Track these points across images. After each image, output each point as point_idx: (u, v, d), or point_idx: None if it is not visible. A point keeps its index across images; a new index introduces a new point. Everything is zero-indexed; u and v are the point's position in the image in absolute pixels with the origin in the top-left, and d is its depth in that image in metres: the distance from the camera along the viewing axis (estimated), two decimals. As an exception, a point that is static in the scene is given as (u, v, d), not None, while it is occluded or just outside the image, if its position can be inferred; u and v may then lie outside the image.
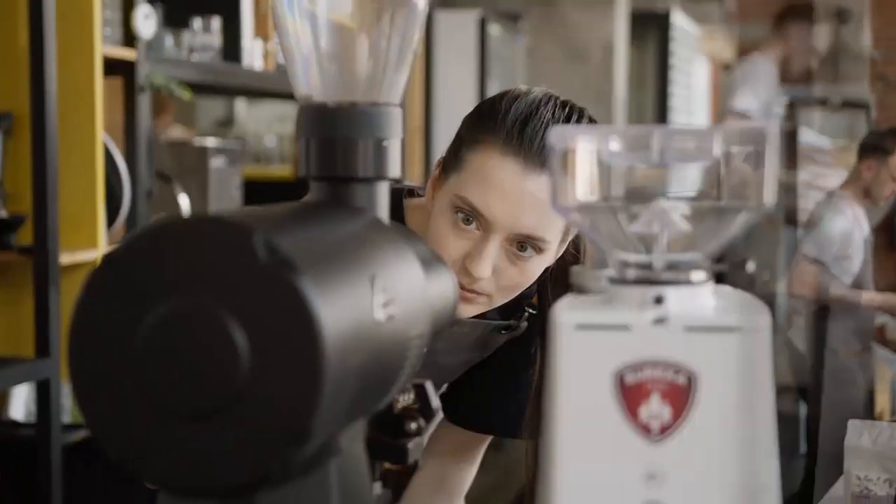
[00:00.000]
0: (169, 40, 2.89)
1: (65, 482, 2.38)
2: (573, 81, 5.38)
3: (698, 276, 0.69)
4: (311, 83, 0.81)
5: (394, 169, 0.81)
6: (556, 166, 0.69)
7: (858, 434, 1.97)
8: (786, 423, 4.68)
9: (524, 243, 1.24)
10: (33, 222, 2.33)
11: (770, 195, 0.68)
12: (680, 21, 7.52)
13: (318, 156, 0.80)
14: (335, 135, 0.79)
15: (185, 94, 2.66)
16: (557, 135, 0.69)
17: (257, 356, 0.59)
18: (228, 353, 0.59)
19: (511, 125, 1.23)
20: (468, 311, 1.29)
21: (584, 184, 0.70)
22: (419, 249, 0.81)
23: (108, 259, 0.62)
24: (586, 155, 0.70)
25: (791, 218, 4.93)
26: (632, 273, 0.70)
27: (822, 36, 4.66)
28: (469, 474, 1.50)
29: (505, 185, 1.22)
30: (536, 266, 1.27)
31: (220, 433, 0.60)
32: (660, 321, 0.67)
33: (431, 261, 0.84)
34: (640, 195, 0.72)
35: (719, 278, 0.72)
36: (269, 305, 0.59)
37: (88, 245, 2.46)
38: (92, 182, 2.44)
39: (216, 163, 2.99)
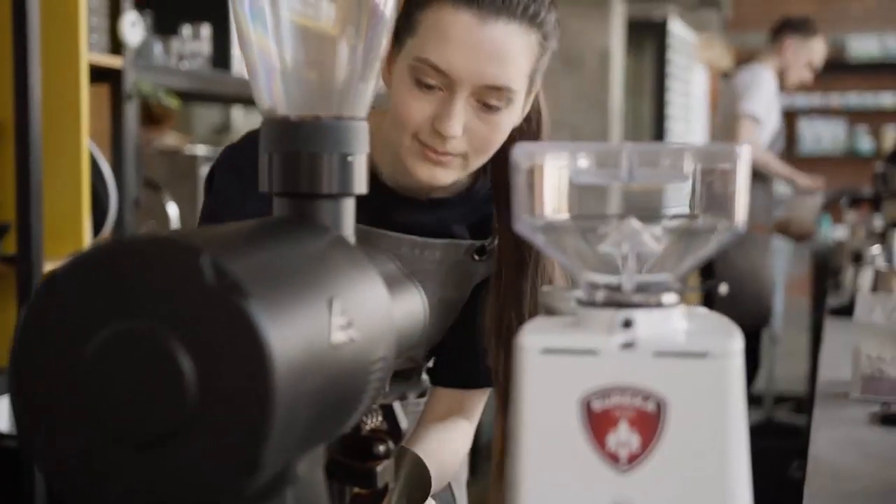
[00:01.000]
0: (158, 47, 2.86)
1: (49, 493, 2.35)
2: (569, 89, 5.36)
3: (669, 298, 0.67)
4: (274, 96, 0.78)
5: (360, 185, 0.78)
6: (522, 183, 0.67)
7: (869, 308, 1.80)
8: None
9: (490, 98, 1.22)
10: (17, 231, 2.30)
11: (742, 216, 0.65)
12: (677, 29, 7.50)
13: (282, 171, 0.77)
14: (299, 149, 0.77)
15: (173, 103, 2.63)
16: (523, 152, 0.67)
17: (204, 382, 0.57)
18: (174, 379, 0.57)
19: None
20: (445, 175, 1.26)
21: (551, 202, 0.68)
22: (385, 268, 0.79)
23: (52, 278, 0.60)
24: (553, 172, 0.67)
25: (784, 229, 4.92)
26: (600, 295, 0.67)
27: (819, 49, 4.66)
28: (467, 436, 1.45)
29: (462, 38, 1.19)
30: (506, 120, 1.24)
31: (166, 461, 0.57)
32: (628, 346, 0.64)
33: (398, 279, 0.81)
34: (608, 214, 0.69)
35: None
36: (216, 330, 0.57)
37: (73, 253, 2.43)
38: (77, 190, 2.42)
39: (207, 170, 2.96)
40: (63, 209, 2.42)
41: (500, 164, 1.31)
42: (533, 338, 0.65)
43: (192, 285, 0.57)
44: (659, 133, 7.37)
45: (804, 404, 4.82)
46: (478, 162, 1.27)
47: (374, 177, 1.35)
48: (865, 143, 10.04)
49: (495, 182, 1.35)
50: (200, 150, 3.08)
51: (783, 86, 4.62)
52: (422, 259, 1.36)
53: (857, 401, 1.78)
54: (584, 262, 0.69)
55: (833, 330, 2.68)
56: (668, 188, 0.67)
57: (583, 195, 0.68)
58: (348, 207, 0.78)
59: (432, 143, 1.23)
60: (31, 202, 2.29)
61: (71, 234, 2.41)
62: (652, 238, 0.67)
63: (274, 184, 0.77)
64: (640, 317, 0.65)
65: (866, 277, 2.92)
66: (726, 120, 4.51)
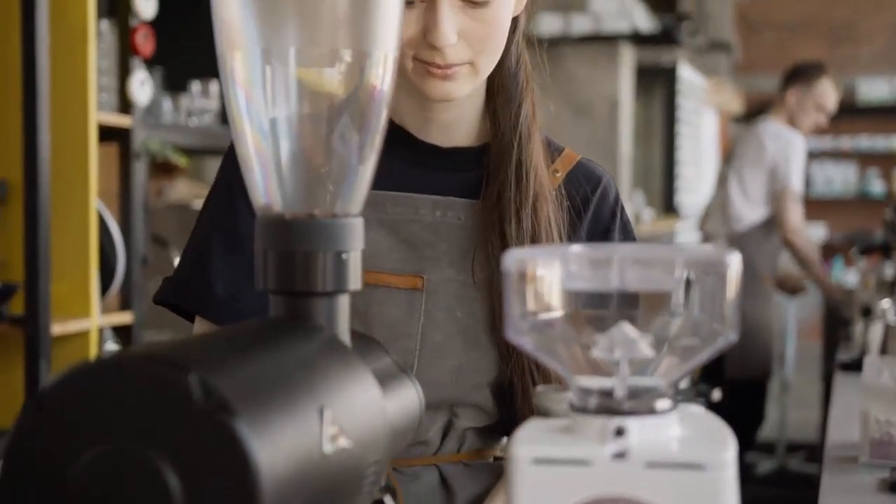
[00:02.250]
0: (167, 104, 2.88)
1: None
2: (580, 136, 5.37)
3: (662, 404, 0.66)
4: (268, 193, 0.78)
5: (354, 281, 0.78)
6: (513, 289, 0.67)
7: (877, 371, 1.77)
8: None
9: None
10: (25, 292, 2.31)
11: (733, 324, 0.65)
12: (687, 74, 7.52)
13: (276, 269, 0.77)
14: (293, 247, 0.77)
15: (181, 161, 2.65)
16: (513, 257, 0.67)
17: (193, 502, 0.57)
18: (162, 500, 0.56)
19: None
20: (457, 88, 1.19)
21: (541, 307, 0.68)
22: (378, 365, 0.79)
23: (40, 396, 0.59)
24: (544, 277, 0.67)
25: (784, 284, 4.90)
26: (592, 402, 0.67)
27: (825, 91, 4.65)
28: None
29: None
30: (499, 13, 1.17)
31: (154, 581, 0.57)
32: (620, 456, 0.64)
33: (392, 375, 0.81)
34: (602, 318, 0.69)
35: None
36: (204, 450, 0.57)
37: (81, 314, 2.44)
38: (85, 251, 2.43)
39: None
40: (71, 269, 2.43)
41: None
42: (525, 447, 0.65)
43: (179, 405, 0.57)
44: (669, 178, 7.38)
45: (817, 452, 4.78)
46: (487, 64, 1.20)
47: (399, 130, 1.28)
48: (877, 186, 10.03)
49: (488, 87, 1.28)
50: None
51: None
52: (444, 223, 1.26)
53: (866, 465, 1.77)
54: (576, 364, 0.69)
55: (843, 386, 2.66)
56: (661, 293, 0.67)
57: (575, 298, 0.68)
58: (343, 304, 0.78)
59: (431, 58, 1.16)
60: (39, 263, 2.30)
61: (79, 294, 2.42)
62: (645, 343, 0.66)
63: (269, 281, 0.77)
64: (633, 424, 0.65)
65: (876, 332, 2.90)
66: (753, 180, 4.46)
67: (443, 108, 1.26)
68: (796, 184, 4.38)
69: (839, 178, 10.14)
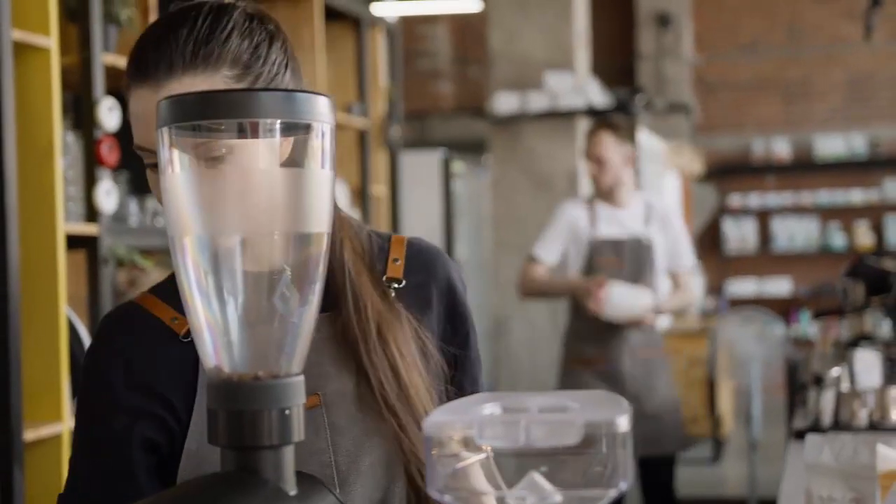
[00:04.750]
0: (133, 206, 2.97)
1: None
2: (540, 209, 5.50)
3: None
4: (218, 357, 0.87)
5: (298, 433, 0.87)
6: (431, 450, 0.76)
7: (818, 450, 1.83)
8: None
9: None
10: (-4, 400, 2.38)
11: (626, 478, 0.74)
12: (645, 139, 7.69)
13: (226, 426, 0.86)
14: (241, 407, 0.86)
15: (147, 264, 2.73)
16: (432, 423, 0.76)
17: None
18: None
19: (133, 58, 1.20)
20: None
21: (458, 465, 0.77)
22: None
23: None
24: (460, 438, 0.76)
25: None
26: (507, 547, 0.75)
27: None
28: None
29: (145, 110, 1.18)
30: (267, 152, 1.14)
31: None
32: None
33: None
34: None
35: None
36: None
37: (53, 419, 2.50)
38: (56, 357, 2.50)
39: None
40: (42, 377, 2.49)
41: None
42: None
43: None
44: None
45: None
46: None
47: None
48: (838, 239, 10.22)
49: None
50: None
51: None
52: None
53: (813, 543, 1.84)
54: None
55: (796, 456, 2.75)
56: (564, 448, 0.76)
57: (490, 454, 0.77)
58: (288, 455, 0.87)
59: None
60: (11, 371, 2.37)
61: (50, 401, 2.48)
62: (553, 491, 0.75)
63: (220, 437, 0.86)
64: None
65: (828, 400, 2.99)
66: None
67: None
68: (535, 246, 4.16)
69: (801, 233, 10.33)
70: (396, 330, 1.26)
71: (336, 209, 1.27)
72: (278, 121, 0.86)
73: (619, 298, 3.93)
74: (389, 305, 1.28)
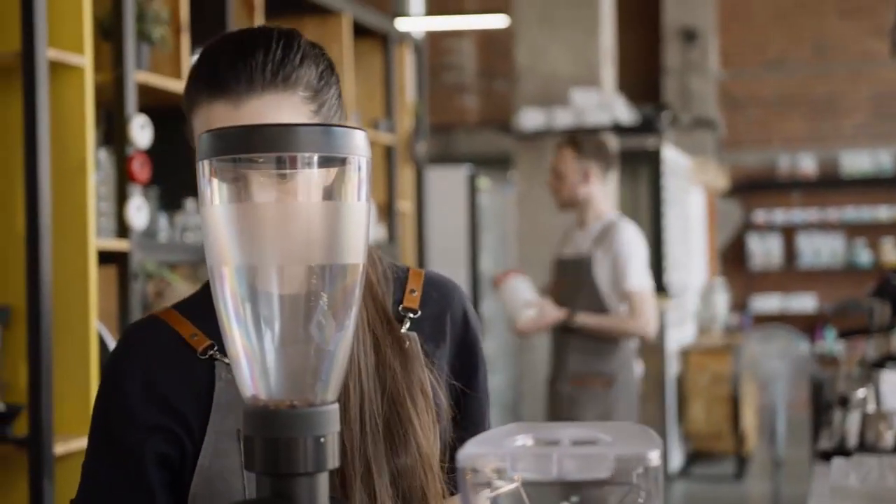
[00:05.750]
0: (164, 222, 3.00)
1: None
2: (564, 226, 5.49)
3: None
4: (255, 386, 0.89)
5: (332, 461, 0.89)
6: (466, 486, 0.77)
7: (845, 474, 1.85)
8: None
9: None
10: (29, 414, 2.41)
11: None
12: (671, 155, 7.69)
13: (262, 453, 0.88)
14: (277, 435, 0.87)
15: (175, 280, 2.76)
16: (466, 455, 0.77)
17: None
18: None
19: (206, 72, 1.21)
20: None
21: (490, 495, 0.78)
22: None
23: None
24: (493, 469, 0.78)
25: None
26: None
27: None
28: None
29: (216, 124, 1.18)
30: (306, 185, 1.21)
31: None
32: None
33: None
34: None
35: None
36: None
37: (83, 432, 2.53)
38: (86, 371, 2.53)
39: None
40: (73, 390, 2.52)
41: None
42: None
43: None
44: (657, 258, 7.50)
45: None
46: None
47: None
48: (864, 256, 10.18)
49: None
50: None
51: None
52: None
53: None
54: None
55: (821, 478, 2.74)
56: (596, 481, 0.77)
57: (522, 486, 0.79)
58: (322, 482, 0.89)
59: None
60: (42, 386, 2.40)
61: (81, 414, 2.51)
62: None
63: (256, 464, 0.88)
64: None
65: (854, 422, 2.98)
66: None
67: None
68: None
69: (827, 249, 10.29)
70: (396, 360, 1.27)
71: None
72: (316, 154, 0.88)
73: (507, 290, 3.97)
74: (395, 336, 1.28)
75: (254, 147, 0.88)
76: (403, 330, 1.30)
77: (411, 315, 1.31)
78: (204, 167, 0.88)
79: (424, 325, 1.32)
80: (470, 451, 0.78)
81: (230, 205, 0.90)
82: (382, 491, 1.23)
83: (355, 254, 0.89)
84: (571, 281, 4.01)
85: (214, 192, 0.88)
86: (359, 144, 0.90)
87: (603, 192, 4.08)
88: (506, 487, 0.80)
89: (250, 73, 1.20)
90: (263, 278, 0.88)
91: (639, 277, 3.96)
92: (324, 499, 0.89)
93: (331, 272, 0.89)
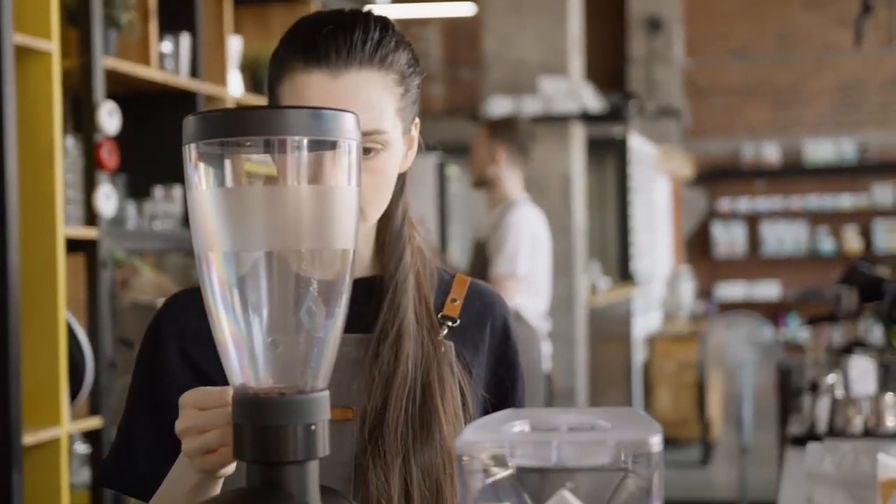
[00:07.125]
0: (132, 210, 2.97)
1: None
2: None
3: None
4: (244, 374, 0.88)
5: (323, 448, 0.88)
6: (465, 474, 0.76)
7: (819, 458, 1.84)
8: None
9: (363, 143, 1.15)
10: (-4, 404, 2.37)
11: (659, 498, 0.74)
12: (637, 143, 7.71)
13: (252, 441, 0.86)
14: (266, 423, 0.86)
15: (144, 269, 2.73)
16: (464, 442, 0.76)
17: None
18: None
19: (304, 41, 1.21)
20: None
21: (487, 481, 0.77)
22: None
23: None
24: (491, 457, 0.77)
25: None
26: (536, 565, 0.76)
27: None
28: None
29: (318, 95, 1.19)
30: (387, 163, 1.23)
31: None
32: None
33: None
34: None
35: None
36: None
37: (52, 423, 2.50)
38: (55, 360, 2.49)
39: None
40: (41, 380, 2.49)
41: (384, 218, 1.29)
42: None
43: None
44: (623, 246, 7.53)
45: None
46: (375, 212, 1.25)
47: None
48: (827, 244, 10.26)
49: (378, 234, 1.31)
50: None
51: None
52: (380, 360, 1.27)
53: (814, 551, 1.85)
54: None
55: (793, 463, 2.76)
56: (595, 467, 0.76)
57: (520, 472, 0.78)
58: (313, 469, 0.87)
59: None
60: (10, 375, 2.36)
61: (49, 403, 2.48)
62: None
63: (245, 452, 0.87)
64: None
65: (823, 407, 3.00)
66: None
67: None
68: None
69: (790, 237, 10.36)
70: (433, 368, 1.26)
71: (415, 236, 1.31)
72: (305, 138, 0.86)
73: None
74: (434, 344, 1.27)
75: (242, 130, 0.86)
76: (440, 337, 1.28)
77: (450, 324, 1.30)
78: (190, 151, 0.86)
79: (463, 334, 1.31)
80: (468, 437, 0.77)
81: (217, 189, 0.88)
82: (411, 484, 1.22)
83: (346, 239, 0.88)
84: (477, 263, 4.03)
85: (201, 176, 0.87)
86: (348, 128, 0.88)
87: (510, 175, 4.09)
88: (502, 473, 0.79)
89: (349, 48, 1.20)
90: (251, 264, 0.86)
91: (507, 263, 3.94)
92: (314, 487, 0.87)
93: (321, 257, 0.87)
